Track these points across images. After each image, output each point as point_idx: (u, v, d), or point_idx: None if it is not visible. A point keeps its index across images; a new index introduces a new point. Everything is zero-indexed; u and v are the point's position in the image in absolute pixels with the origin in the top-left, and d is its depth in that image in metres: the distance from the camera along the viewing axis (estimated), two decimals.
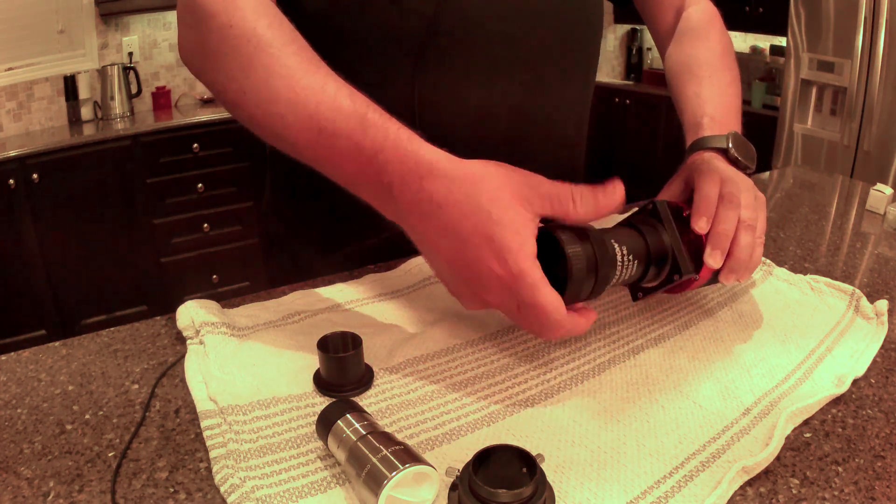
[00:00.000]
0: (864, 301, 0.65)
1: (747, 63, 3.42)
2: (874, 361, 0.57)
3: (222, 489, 0.42)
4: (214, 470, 0.44)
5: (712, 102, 0.71)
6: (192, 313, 0.60)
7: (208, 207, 2.79)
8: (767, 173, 1.17)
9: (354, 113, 0.51)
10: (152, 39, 2.98)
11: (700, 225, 0.56)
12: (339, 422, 0.43)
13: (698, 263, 0.56)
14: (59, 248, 2.48)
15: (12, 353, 0.59)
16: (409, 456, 0.40)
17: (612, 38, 4.25)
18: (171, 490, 0.43)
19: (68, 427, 0.49)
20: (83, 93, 2.79)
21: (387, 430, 0.43)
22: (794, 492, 0.43)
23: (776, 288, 0.70)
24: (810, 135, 2.67)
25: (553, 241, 0.49)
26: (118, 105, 2.80)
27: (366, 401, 0.51)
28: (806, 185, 1.09)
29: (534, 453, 0.40)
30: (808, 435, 0.48)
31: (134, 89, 2.87)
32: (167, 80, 3.06)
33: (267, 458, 0.45)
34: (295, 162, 0.55)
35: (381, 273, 0.72)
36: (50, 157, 2.41)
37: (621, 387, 0.54)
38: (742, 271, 0.56)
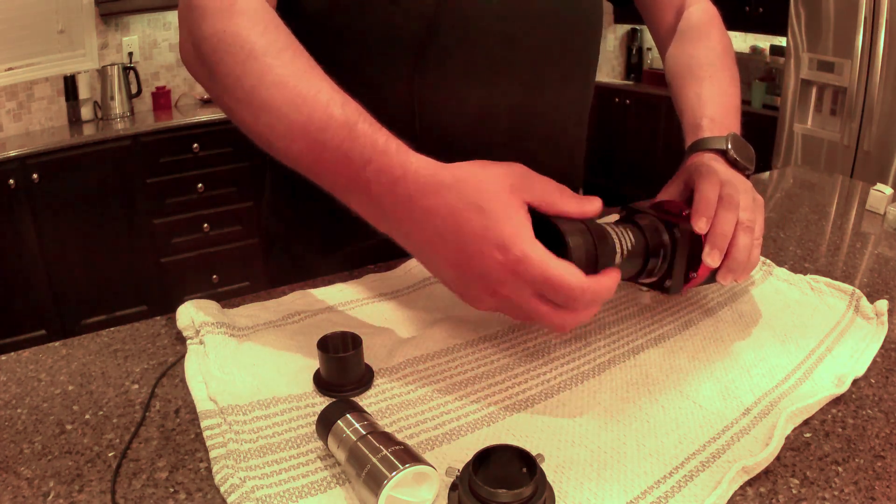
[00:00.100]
0: (864, 301, 0.65)
1: (747, 63, 3.42)
2: (874, 361, 0.57)
3: (222, 489, 0.42)
4: (214, 470, 0.44)
5: (712, 103, 0.71)
6: (192, 313, 0.60)
7: (208, 207, 2.78)
8: (767, 173, 1.17)
9: (345, 123, 0.50)
10: (152, 39, 2.98)
11: (700, 225, 0.56)
12: (339, 422, 0.43)
13: (697, 263, 0.56)
14: (59, 248, 2.48)
15: (12, 353, 0.59)
16: (409, 456, 0.40)
17: (612, 38, 4.25)
18: (171, 490, 0.43)
19: (68, 427, 0.49)
20: (83, 93, 2.79)
21: (387, 430, 0.43)
22: (794, 492, 0.43)
23: (776, 288, 0.70)
24: (810, 135, 2.67)
25: (553, 232, 0.49)
26: (118, 105, 2.80)
27: (366, 401, 0.51)
28: (806, 185, 1.10)
29: (534, 453, 0.41)
30: (808, 435, 0.48)
31: (134, 89, 2.86)
32: (167, 80, 3.06)
33: (267, 458, 0.45)
34: None
35: (381, 273, 0.72)
36: (50, 157, 2.41)
37: (621, 387, 0.54)
38: (740, 272, 0.57)
